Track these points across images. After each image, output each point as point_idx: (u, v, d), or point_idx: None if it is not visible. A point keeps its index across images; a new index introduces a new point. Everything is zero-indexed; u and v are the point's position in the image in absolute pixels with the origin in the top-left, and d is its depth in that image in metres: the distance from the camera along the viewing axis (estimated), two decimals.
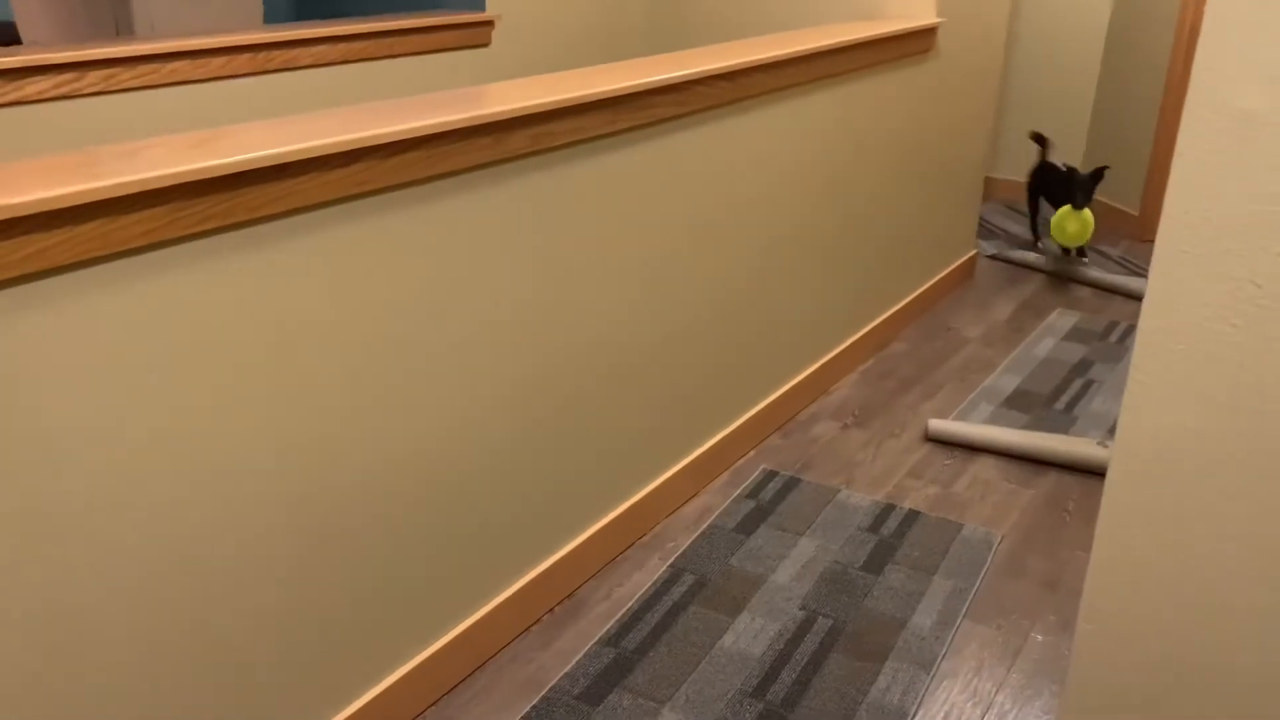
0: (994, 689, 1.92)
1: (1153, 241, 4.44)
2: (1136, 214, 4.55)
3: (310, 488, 1.56)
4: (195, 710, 1.47)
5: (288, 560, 1.55)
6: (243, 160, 1.30)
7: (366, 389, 1.60)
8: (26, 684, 1.26)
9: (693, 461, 2.50)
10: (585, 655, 1.99)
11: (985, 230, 4.64)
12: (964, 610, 2.13)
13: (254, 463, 1.46)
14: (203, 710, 1.48)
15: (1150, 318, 1.08)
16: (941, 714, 1.86)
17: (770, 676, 1.93)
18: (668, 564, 2.27)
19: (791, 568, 2.25)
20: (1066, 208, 3.94)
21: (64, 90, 2.11)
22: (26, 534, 1.22)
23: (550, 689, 1.90)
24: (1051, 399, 3.04)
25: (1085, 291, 3.94)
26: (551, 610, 2.12)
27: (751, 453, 2.74)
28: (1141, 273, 4.11)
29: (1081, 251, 4.22)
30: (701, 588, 2.18)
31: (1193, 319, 1.05)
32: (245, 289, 1.39)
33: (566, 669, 1.95)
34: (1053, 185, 4.16)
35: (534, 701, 1.87)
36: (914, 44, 3.08)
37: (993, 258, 4.27)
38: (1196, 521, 1.13)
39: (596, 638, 2.03)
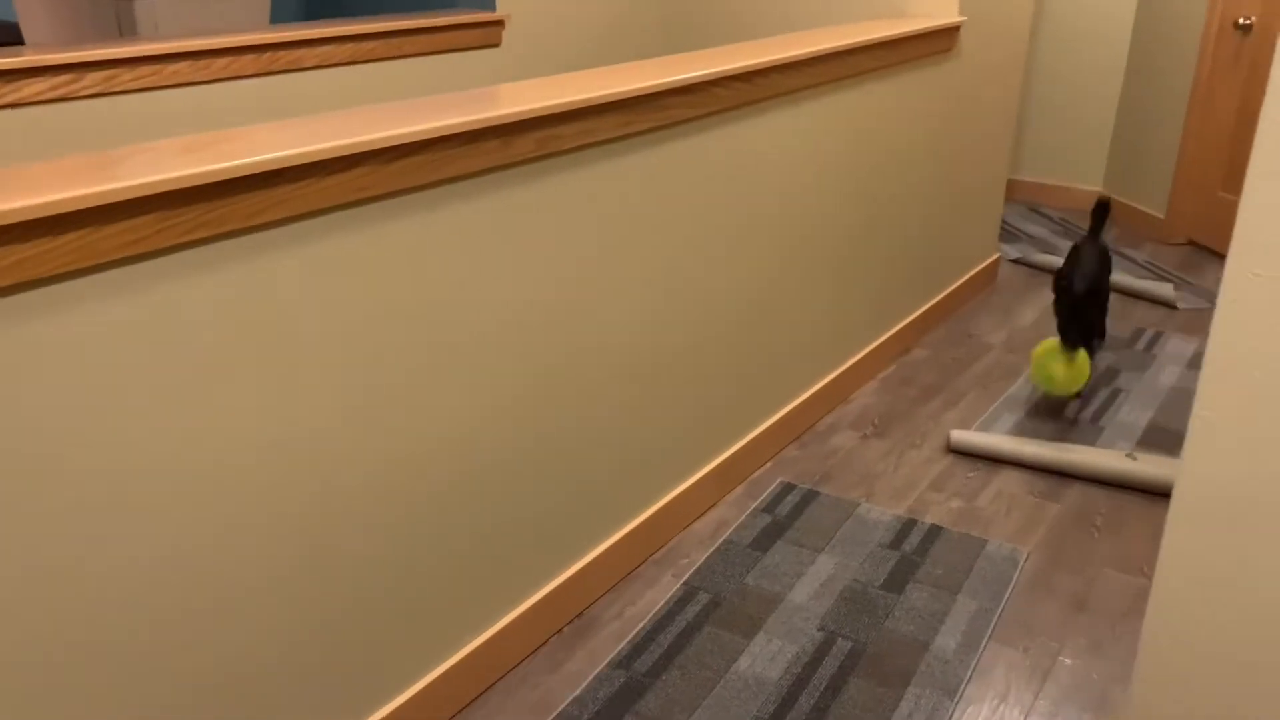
0: (1022, 716, 1.84)
1: (1177, 244, 4.36)
2: (1162, 217, 4.45)
3: (308, 506, 1.49)
4: None
5: (286, 579, 1.48)
6: (235, 166, 1.23)
7: (367, 403, 1.54)
8: (27, 694, 1.19)
9: (707, 474, 2.42)
10: (595, 678, 1.91)
11: (1007, 233, 4.55)
12: (989, 632, 2.05)
13: (250, 481, 1.40)
14: None
15: (1218, 348, 0.96)
16: None
17: (788, 702, 1.85)
18: (681, 581, 2.19)
19: (809, 586, 2.17)
20: (1052, 343, 2.79)
21: (62, 92, 2.06)
22: (6, 552, 1.15)
23: (559, 714, 1.83)
24: (1078, 408, 2.95)
25: (1111, 296, 3.84)
26: (560, 631, 2.05)
27: (768, 464, 2.66)
28: (1167, 277, 4.01)
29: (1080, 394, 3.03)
30: (716, 607, 2.10)
31: (1268, 348, 0.94)
32: (238, 300, 1.32)
33: (576, 693, 1.88)
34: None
35: None
36: (936, 43, 3.00)
37: (1015, 262, 4.18)
38: (1267, 582, 1.02)
39: (607, 660, 1.96)
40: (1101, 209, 3.12)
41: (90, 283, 1.16)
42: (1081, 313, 2.76)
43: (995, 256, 3.94)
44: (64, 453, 1.18)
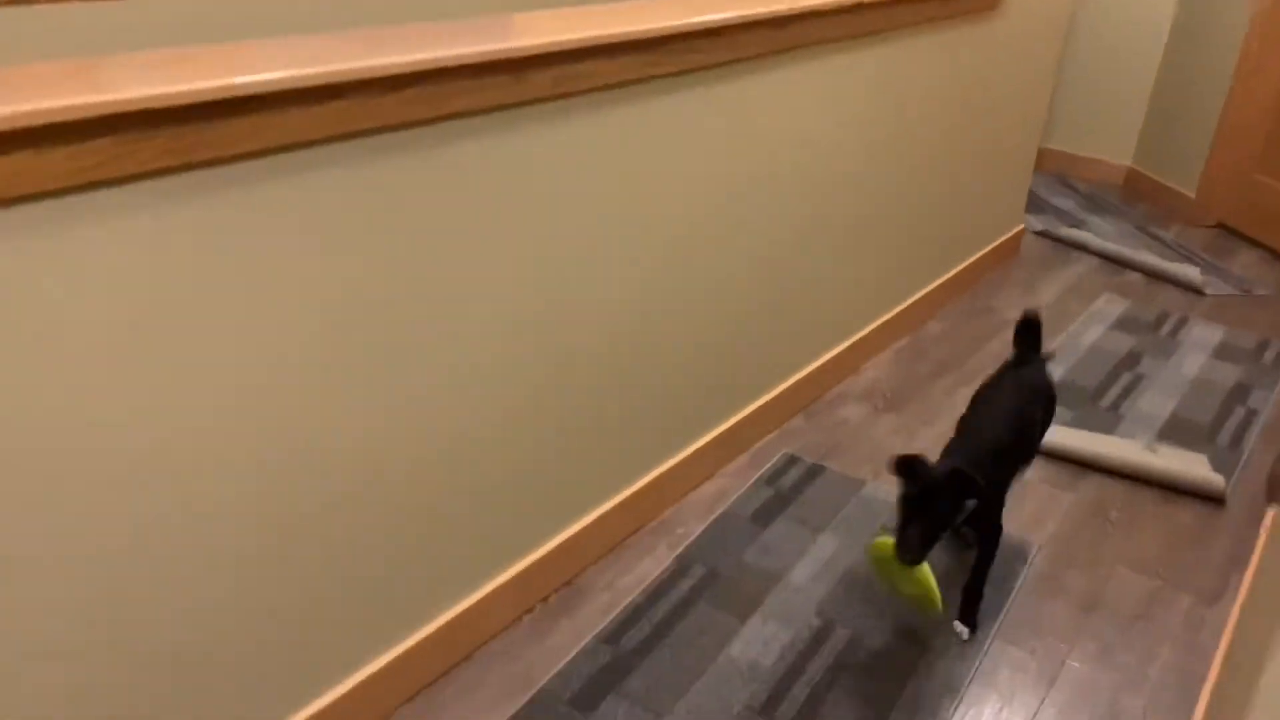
0: None
1: (1207, 226, 4.20)
2: (1193, 196, 4.29)
3: (280, 463, 1.37)
4: (162, 699, 1.31)
5: (257, 541, 1.38)
6: (210, 88, 1.09)
7: (348, 358, 1.41)
8: None
9: (710, 441, 2.31)
10: (580, 652, 1.82)
11: (1034, 204, 4.39)
12: (995, 629, 1.95)
13: (215, 441, 1.28)
14: (166, 699, 1.32)
15: None
16: None
17: (780, 692, 1.76)
18: (675, 554, 2.09)
19: (809, 567, 2.07)
20: (890, 543, 1.75)
21: None
22: None
23: (540, 690, 1.74)
24: (1097, 395, 2.83)
25: (1135, 276, 3.71)
26: (547, 599, 1.95)
27: (773, 434, 2.55)
28: (1196, 260, 3.86)
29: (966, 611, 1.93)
30: (711, 583, 2.00)
31: None
32: (205, 239, 1.19)
33: (559, 667, 1.79)
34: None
35: (521, 703, 1.71)
36: None
37: (1040, 234, 4.03)
38: None
39: (594, 633, 1.87)
40: (1029, 330, 2.17)
41: (32, 211, 1.02)
42: (943, 514, 1.68)
43: (1020, 228, 3.79)
44: None
